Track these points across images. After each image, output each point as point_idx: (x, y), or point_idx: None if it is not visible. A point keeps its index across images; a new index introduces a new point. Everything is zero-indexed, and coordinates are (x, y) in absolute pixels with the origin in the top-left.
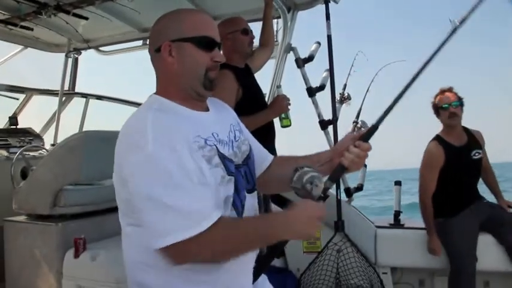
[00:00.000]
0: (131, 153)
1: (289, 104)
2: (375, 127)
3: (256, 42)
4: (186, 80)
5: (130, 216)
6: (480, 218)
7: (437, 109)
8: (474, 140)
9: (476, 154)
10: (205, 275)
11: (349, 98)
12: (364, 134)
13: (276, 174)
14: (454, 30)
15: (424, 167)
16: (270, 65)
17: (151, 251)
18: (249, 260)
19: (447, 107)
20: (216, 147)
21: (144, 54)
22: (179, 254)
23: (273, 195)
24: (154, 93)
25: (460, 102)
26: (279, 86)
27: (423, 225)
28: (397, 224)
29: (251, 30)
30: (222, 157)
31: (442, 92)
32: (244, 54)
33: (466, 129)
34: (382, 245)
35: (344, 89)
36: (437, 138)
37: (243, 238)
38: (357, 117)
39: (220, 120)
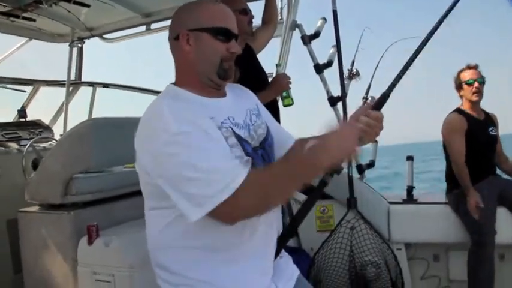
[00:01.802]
0: (155, 137)
1: (290, 83)
2: (385, 95)
3: (257, 21)
4: (201, 68)
5: (152, 200)
6: (497, 191)
7: (461, 84)
8: (490, 119)
9: (493, 130)
10: (225, 254)
11: (357, 74)
12: (375, 103)
13: None
14: None
15: (449, 134)
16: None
17: (170, 232)
18: (270, 239)
19: (472, 83)
20: (232, 129)
21: (147, 40)
22: (234, 209)
23: None
24: (172, 83)
25: (484, 80)
26: (278, 65)
27: (436, 200)
28: (410, 199)
29: (250, 10)
30: (239, 138)
31: (469, 67)
32: (243, 35)
33: (482, 109)
34: (395, 221)
35: (352, 65)
36: (458, 110)
37: (289, 171)
38: (367, 93)
39: (237, 105)
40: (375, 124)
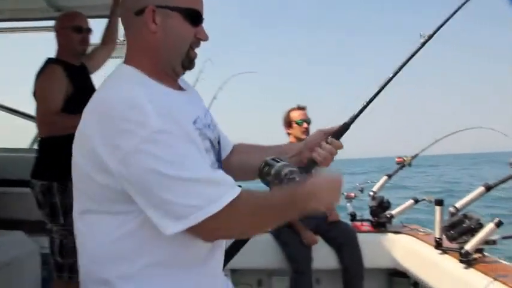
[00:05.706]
0: (130, 132)
1: None
2: (347, 125)
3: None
4: (166, 54)
5: (105, 203)
6: (314, 222)
7: (290, 122)
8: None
9: None
10: (178, 269)
11: None
12: (336, 132)
13: (238, 161)
14: (423, 44)
15: None
16: None
17: (127, 243)
18: (220, 257)
19: (301, 123)
20: (205, 132)
21: None
22: (221, 225)
23: None
24: (125, 63)
25: (310, 121)
26: None
27: None
28: None
29: (87, 29)
30: (210, 141)
31: (299, 108)
32: (74, 52)
33: None
34: None
35: None
36: None
37: (271, 209)
38: None
39: (196, 101)
40: (335, 153)
